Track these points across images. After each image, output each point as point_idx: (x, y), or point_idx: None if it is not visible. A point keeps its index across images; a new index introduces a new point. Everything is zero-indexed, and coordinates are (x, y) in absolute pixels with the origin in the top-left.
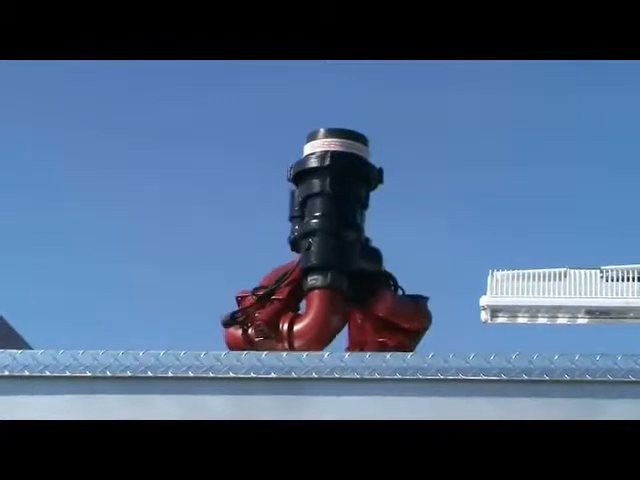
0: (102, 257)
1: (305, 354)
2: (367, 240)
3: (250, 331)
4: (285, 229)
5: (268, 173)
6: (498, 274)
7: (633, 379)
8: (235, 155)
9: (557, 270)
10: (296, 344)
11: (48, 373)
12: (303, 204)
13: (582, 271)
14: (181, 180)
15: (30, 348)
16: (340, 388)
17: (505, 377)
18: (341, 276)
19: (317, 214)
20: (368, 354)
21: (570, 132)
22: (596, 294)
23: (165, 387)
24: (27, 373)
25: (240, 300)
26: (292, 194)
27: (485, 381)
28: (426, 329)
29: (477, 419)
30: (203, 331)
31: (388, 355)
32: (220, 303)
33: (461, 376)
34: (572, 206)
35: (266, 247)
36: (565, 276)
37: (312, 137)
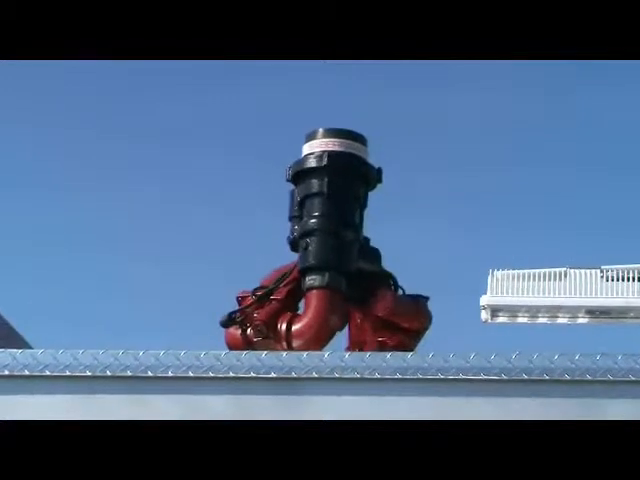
0: (102, 257)
1: (305, 354)
2: (366, 240)
3: (249, 331)
4: (285, 229)
5: (268, 173)
6: (498, 274)
7: (633, 379)
8: (235, 155)
9: (557, 270)
10: (294, 344)
11: (48, 373)
12: (302, 204)
13: (582, 271)
14: (181, 180)
15: (30, 347)
16: (340, 388)
17: (505, 377)
18: (339, 276)
19: (315, 214)
20: (368, 354)
21: (570, 132)
22: (596, 294)
23: (165, 387)
24: (27, 373)
25: (240, 300)
26: (292, 194)
27: (485, 381)
28: (426, 329)
29: (477, 419)
30: (203, 331)
31: (388, 355)
32: (220, 303)
33: (461, 376)
34: (572, 206)
35: (266, 247)
36: (565, 276)
37: (311, 137)
